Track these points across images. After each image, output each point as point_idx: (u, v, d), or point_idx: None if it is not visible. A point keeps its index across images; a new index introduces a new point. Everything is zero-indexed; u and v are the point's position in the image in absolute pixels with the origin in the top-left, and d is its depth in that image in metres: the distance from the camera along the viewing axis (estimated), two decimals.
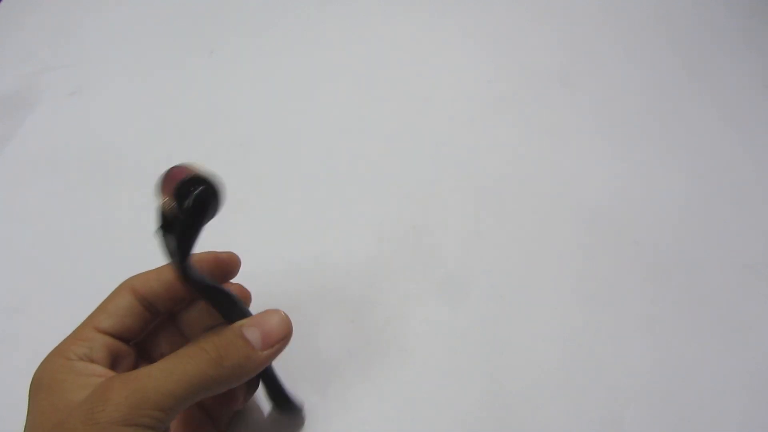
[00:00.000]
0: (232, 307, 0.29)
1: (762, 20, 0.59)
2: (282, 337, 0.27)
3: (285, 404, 0.33)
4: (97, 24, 0.60)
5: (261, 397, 0.34)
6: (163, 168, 0.24)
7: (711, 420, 0.34)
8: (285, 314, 0.28)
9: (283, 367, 0.35)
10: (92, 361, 0.27)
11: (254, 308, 0.33)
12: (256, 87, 0.53)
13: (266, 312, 0.28)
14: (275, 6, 0.61)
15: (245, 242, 0.41)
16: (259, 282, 0.34)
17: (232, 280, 0.33)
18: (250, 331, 0.27)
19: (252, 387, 0.32)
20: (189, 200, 0.22)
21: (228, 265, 0.31)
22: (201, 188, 0.23)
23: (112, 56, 0.57)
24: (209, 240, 0.27)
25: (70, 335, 0.28)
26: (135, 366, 0.30)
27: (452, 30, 0.59)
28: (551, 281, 0.40)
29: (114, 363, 0.28)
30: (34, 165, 0.48)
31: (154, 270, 0.30)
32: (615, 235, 0.43)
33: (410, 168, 0.47)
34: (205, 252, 0.31)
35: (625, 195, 0.45)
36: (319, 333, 0.38)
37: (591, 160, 0.47)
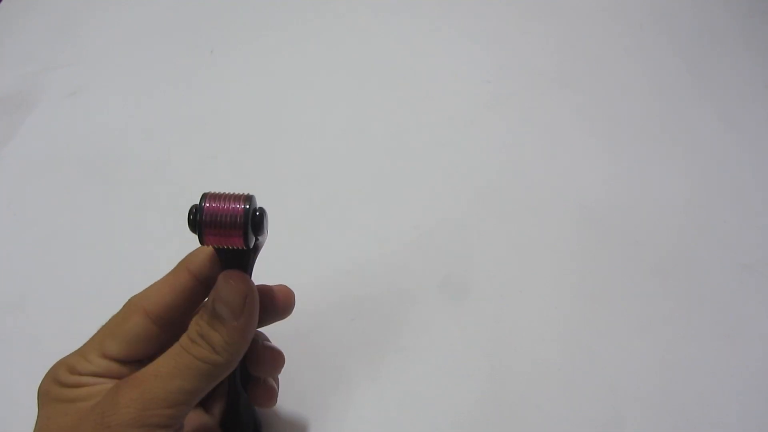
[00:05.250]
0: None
1: (762, 20, 0.59)
2: (243, 301, 0.25)
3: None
4: (97, 24, 0.60)
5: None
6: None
7: (711, 419, 0.34)
8: (234, 275, 0.26)
9: (283, 366, 0.35)
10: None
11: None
12: (256, 87, 0.53)
13: (216, 284, 0.26)
14: (275, 6, 0.61)
15: None
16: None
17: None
18: (218, 307, 0.25)
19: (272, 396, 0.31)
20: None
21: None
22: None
23: (112, 56, 0.57)
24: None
25: (77, 352, 0.27)
26: None
27: (451, 31, 0.59)
28: (551, 281, 0.40)
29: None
30: (34, 165, 0.48)
31: (160, 282, 0.28)
32: (615, 235, 0.43)
33: (410, 168, 0.47)
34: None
35: (625, 195, 0.45)
36: (319, 333, 0.38)
37: (591, 160, 0.47)
